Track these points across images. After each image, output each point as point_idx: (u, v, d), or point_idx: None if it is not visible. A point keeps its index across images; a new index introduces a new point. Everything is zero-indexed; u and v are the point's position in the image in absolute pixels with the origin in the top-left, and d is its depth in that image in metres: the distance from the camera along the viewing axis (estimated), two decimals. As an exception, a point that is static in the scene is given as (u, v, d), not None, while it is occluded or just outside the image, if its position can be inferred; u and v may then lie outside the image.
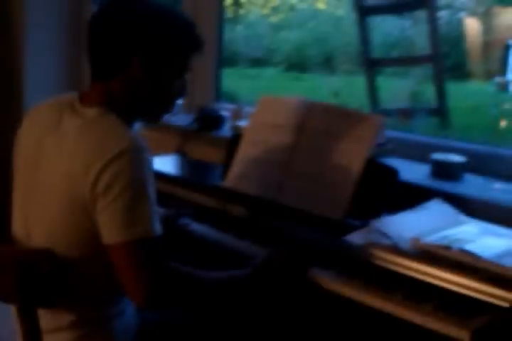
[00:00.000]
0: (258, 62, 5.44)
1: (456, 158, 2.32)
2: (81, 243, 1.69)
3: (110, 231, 1.62)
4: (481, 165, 2.27)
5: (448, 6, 4.73)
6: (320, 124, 2.19)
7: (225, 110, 3.03)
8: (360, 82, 4.14)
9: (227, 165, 2.37)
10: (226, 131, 2.90)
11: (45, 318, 1.74)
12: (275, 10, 5.73)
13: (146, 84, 1.75)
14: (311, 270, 1.86)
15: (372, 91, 4.00)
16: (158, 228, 1.64)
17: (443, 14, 4.59)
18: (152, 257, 1.62)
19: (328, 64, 4.98)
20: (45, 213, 1.72)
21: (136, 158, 1.62)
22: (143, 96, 1.77)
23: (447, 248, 1.76)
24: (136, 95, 1.76)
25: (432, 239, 1.82)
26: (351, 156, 2.09)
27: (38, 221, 1.75)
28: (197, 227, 2.18)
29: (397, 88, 4.42)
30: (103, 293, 1.79)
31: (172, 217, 2.18)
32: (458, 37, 4.62)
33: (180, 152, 2.93)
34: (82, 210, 1.65)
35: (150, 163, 1.66)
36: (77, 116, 1.72)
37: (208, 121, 2.93)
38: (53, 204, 1.69)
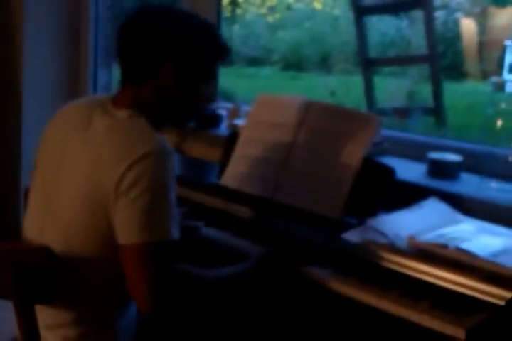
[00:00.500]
0: (255, 62, 5.45)
1: (453, 157, 2.32)
2: (97, 244, 1.70)
3: (127, 232, 1.62)
4: (477, 165, 2.27)
5: (444, 7, 4.74)
6: (317, 123, 2.20)
7: (223, 109, 3.03)
8: (356, 81, 4.15)
9: (224, 163, 2.37)
10: (223, 129, 2.91)
11: (48, 314, 1.75)
12: (272, 9, 5.75)
13: (176, 89, 1.78)
14: (308, 267, 1.87)
15: (369, 90, 4.01)
16: (175, 232, 1.64)
17: (439, 14, 4.61)
18: (164, 261, 1.63)
19: (324, 63, 4.99)
20: (65, 213, 1.73)
21: (160, 161, 1.64)
22: (172, 100, 1.80)
23: (444, 246, 1.77)
24: (166, 100, 1.79)
25: (429, 237, 1.83)
26: (348, 155, 2.10)
27: (56, 220, 1.75)
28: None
29: (393, 87, 4.43)
30: (108, 293, 1.78)
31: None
32: (454, 37, 4.64)
33: (178, 150, 2.94)
34: (103, 212, 1.66)
35: (173, 168, 1.68)
36: (108, 116, 1.74)
37: (206, 119, 2.93)
38: (74, 203, 1.70)
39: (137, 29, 1.78)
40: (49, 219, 1.77)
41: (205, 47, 1.80)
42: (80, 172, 1.69)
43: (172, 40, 1.75)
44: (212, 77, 1.87)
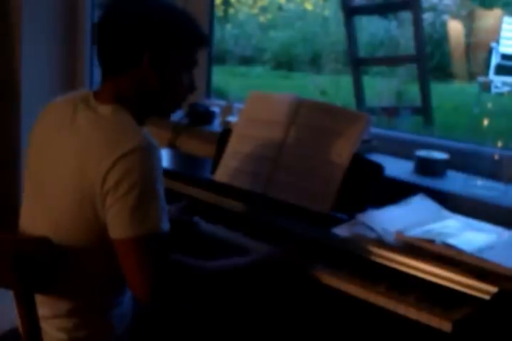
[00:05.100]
0: (247, 61, 5.47)
1: (440, 155, 2.34)
2: (83, 235, 1.71)
3: (118, 227, 1.64)
4: (464, 163, 2.29)
5: (432, 8, 4.79)
6: (308, 120, 2.21)
7: (216, 106, 3.05)
8: (346, 80, 4.17)
9: (217, 159, 2.38)
10: (217, 126, 2.93)
11: (45, 306, 1.76)
12: (264, 10, 5.77)
13: (156, 78, 1.77)
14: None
15: (358, 89, 4.04)
16: (166, 224, 1.66)
17: (427, 16, 4.66)
18: (158, 253, 1.64)
19: (315, 63, 5.02)
20: (52, 204, 1.74)
21: (146, 156, 1.64)
22: (152, 91, 1.78)
23: (430, 241, 1.78)
24: (146, 90, 1.78)
25: (416, 232, 1.85)
26: (338, 152, 2.11)
27: (44, 211, 1.77)
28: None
29: (382, 87, 4.47)
30: (103, 283, 1.80)
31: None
32: (441, 38, 4.69)
33: (172, 146, 2.96)
34: (89, 204, 1.67)
35: (160, 161, 1.68)
36: (92, 111, 1.74)
37: (199, 116, 2.96)
38: (61, 196, 1.71)
39: (112, 20, 1.76)
40: (38, 210, 1.79)
41: (182, 34, 1.78)
42: (66, 166, 1.70)
43: (148, 30, 1.73)
44: (192, 64, 1.85)
